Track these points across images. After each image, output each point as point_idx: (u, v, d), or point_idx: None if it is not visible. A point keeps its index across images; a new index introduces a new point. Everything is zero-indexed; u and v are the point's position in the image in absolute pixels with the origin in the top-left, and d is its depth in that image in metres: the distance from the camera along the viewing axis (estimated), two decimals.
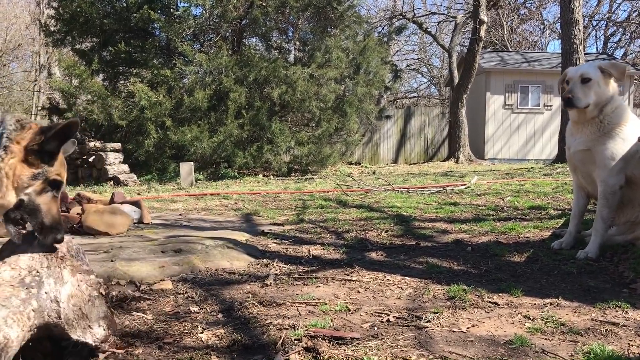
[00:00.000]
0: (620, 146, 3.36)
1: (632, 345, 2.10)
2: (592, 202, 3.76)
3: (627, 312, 2.45)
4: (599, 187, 3.42)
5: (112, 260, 3.16)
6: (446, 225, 4.84)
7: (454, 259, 3.48)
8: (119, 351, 2.05)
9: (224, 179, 14.56)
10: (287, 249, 3.88)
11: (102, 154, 13.80)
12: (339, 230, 4.65)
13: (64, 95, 15.48)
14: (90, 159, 13.96)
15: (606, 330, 2.25)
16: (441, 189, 7.95)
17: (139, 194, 9.01)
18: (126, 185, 14.18)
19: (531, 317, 2.43)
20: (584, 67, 3.52)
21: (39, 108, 27.04)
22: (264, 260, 3.52)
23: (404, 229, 4.66)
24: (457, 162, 20.16)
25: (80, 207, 4.42)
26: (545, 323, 2.36)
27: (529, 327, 2.31)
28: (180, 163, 13.67)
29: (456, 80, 21.67)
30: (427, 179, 10.63)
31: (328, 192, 8.35)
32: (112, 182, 14.42)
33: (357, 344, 2.14)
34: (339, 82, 16.60)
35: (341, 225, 4.89)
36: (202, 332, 2.29)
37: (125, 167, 15.17)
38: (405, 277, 3.07)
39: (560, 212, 5.29)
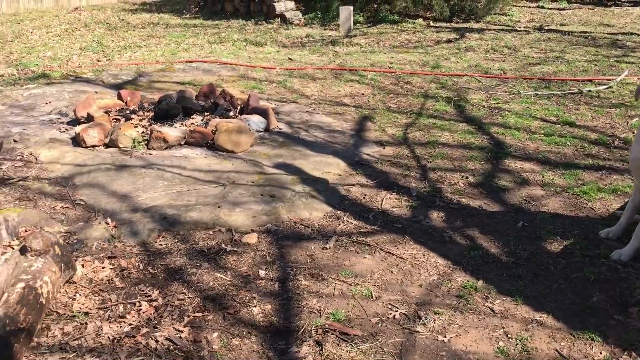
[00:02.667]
0: None
1: None
2: None
3: (592, 348, 2.93)
4: None
5: (219, 206, 4.15)
6: (533, 169, 5.11)
7: (498, 237, 3.96)
8: None
9: (383, 22, 14.73)
10: (364, 195, 4.57)
11: None
12: (428, 165, 5.17)
13: None
14: None
15: None
16: (577, 88, 7.73)
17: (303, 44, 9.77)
18: (291, 22, 15.06)
19: (508, 336, 3.01)
20: None
21: None
22: (338, 212, 4.29)
23: (488, 171, 5.04)
24: None
25: (216, 123, 5.38)
26: (515, 346, 2.94)
27: (499, 348, 2.92)
28: (340, 7, 14.02)
29: None
30: (585, 55, 10.00)
31: (462, 76, 8.49)
32: (279, 19, 15.38)
33: (355, 343, 2.94)
34: None
35: (435, 156, 5.37)
36: (255, 306, 3.23)
37: (292, 4, 15.90)
38: (440, 259, 3.69)
39: None
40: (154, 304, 3.23)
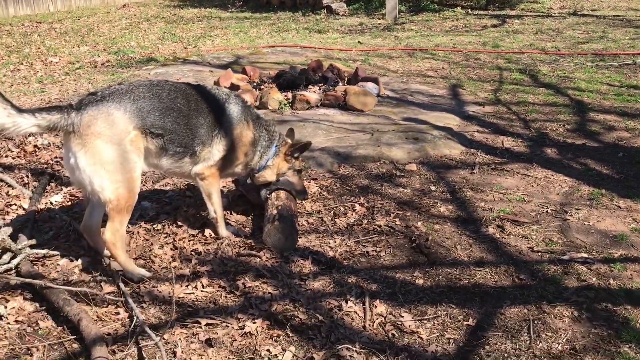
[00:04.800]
0: None
1: None
2: None
3: None
4: None
5: (378, 146, 5.22)
6: (615, 119, 6.16)
7: (606, 163, 5.02)
8: None
9: (425, 11, 15.72)
10: (487, 138, 5.64)
11: None
12: (527, 118, 6.22)
13: None
14: None
15: None
16: (631, 60, 8.76)
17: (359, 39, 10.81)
18: (337, 13, 16.09)
19: (637, 221, 4.08)
20: None
21: None
22: (471, 150, 5.35)
23: (579, 121, 6.10)
24: None
25: (344, 88, 6.46)
26: None
27: (632, 228, 3.98)
28: None
29: None
30: (626, 34, 11.01)
31: (523, 53, 9.54)
32: (325, 10, 16.41)
33: (526, 226, 4.01)
34: None
35: (529, 112, 6.43)
36: (440, 206, 4.30)
37: None
38: (566, 177, 4.75)
39: None
40: (364, 206, 4.30)
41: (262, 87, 7.11)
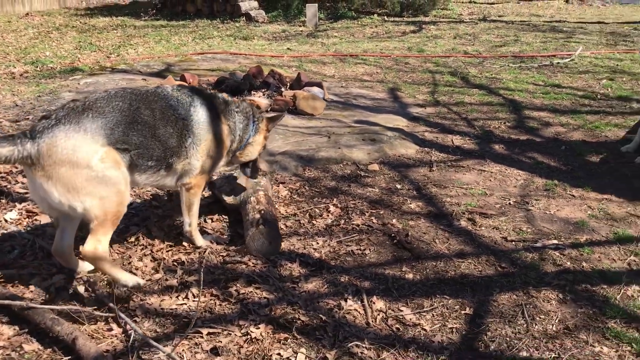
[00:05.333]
0: None
1: None
2: None
3: None
4: None
5: (339, 148, 5.28)
6: (549, 115, 6.57)
7: (552, 156, 5.35)
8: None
9: (343, 18, 16.04)
10: (437, 137, 5.84)
11: None
12: (469, 117, 6.51)
13: None
14: None
15: (631, 220, 4.19)
16: (548, 61, 9.37)
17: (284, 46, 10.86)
18: (257, 21, 16.07)
19: (592, 207, 4.37)
20: None
21: None
22: (425, 149, 5.53)
23: (517, 119, 6.45)
24: (567, 2, 20.27)
25: (293, 93, 6.48)
26: (598, 212, 4.30)
27: (589, 214, 4.27)
28: (307, 5, 15.24)
29: None
30: (537, 38, 11.76)
31: (449, 57, 9.95)
32: (244, 18, 16.34)
33: (494, 218, 4.20)
34: None
35: (469, 111, 6.73)
36: (410, 203, 4.41)
37: (255, 4, 16.89)
38: (519, 171, 5.02)
39: None
40: (338, 206, 4.34)
41: None
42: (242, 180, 4.08)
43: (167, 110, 3.34)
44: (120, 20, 16.48)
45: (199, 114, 3.43)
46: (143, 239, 3.83)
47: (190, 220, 3.67)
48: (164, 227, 3.96)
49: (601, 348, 2.87)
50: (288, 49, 11.11)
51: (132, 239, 3.84)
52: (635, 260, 3.63)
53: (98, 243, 3.07)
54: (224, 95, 3.79)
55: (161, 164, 3.34)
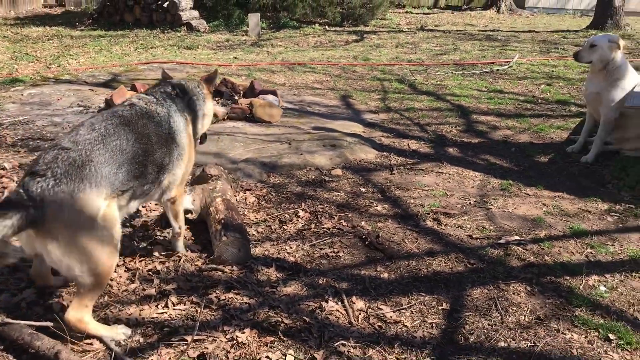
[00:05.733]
0: (618, 93, 5.28)
1: (593, 224, 4.30)
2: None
3: (597, 204, 4.62)
4: (601, 118, 5.41)
5: (301, 154, 5.35)
6: (495, 119, 6.87)
7: (504, 157, 5.60)
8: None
9: (285, 27, 16.13)
10: (394, 142, 6.00)
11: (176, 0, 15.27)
12: (421, 122, 6.72)
13: None
14: (165, 4, 15.42)
15: (584, 215, 4.44)
16: (488, 68, 9.76)
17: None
18: (198, 30, 15.94)
19: (546, 205, 4.61)
20: (596, 37, 5.33)
21: None
22: (384, 153, 5.67)
23: (466, 123, 6.71)
24: (498, 12, 21.13)
25: (250, 101, 6.50)
26: (553, 209, 4.54)
27: (544, 211, 4.50)
28: (249, 14, 15.25)
29: None
30: (474, 46, 12.23)
31: (394, 65, 10.21)
32: (185, 28, 16.17)
33: (457, 217, 4.37)
34: None
35: (421, 117, 6.94)
36: (377, 206, 4.52)
37: (196, 13, 16.75)
38: (476, 172, 5.23)
39: (578, 108, 7.25)
40: (307, 211, 4.40)
41: None
42: (189, 204, 4.02)
43: (157, 129, 3.18)
44: (55, 30, 15.97)
45: (177, 122, 3.35)
46: None
47: (180, 224, 3.65)
48: (133, 238, 3.90)
49: (571, 335, 3.04)
50: (235, 57, 11.10)
51: None
52: (592, 253, 3.86)
53: (85, 310, 2.83)
54: (176, 82, 3.57)
55: (154, 184, 3.22)
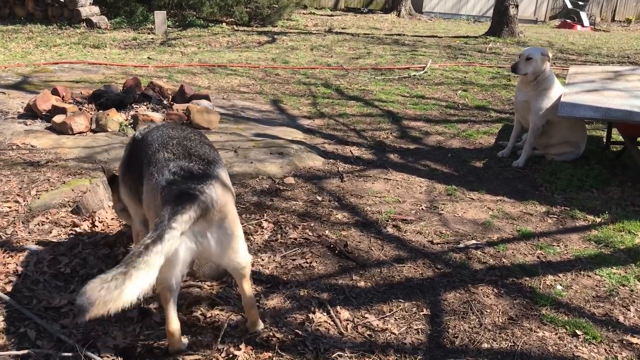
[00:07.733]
0: (546, 102, 5.72)
1: (537, 226, 4.65)
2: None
3: (536, 207, 5.00)
4: (530, 125, 5.83)
5: (251, 162, 5.32)
6: (425, 125, 7.18)
7: (443, 163, 5.88)
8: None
9: (193, 26, 15.79)
10: (337, 149, 6.11)
11: None
12: (357, 128, 6.88)
13: None
14: None
15: (527, 218, 4.79)
16: (406, 73, 10.16)
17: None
18: (99, 27, 15.25)
19: (491, 209, 4.92)
20: (531, 50, 5.74)
21: None
22: (330, 160, 5.76)
23: (399, 129, 6.96)
24: (399, 15, 21.90)
25: (186, 107, 6.35)
26: (498, 212, 4.85)
27: (491, 215, 4.80)
28: (155, 12, 14.80)
29: None
30: (386, 51, 12.65)
31: (315, 68, 10.34)
32: (85, 24, 15.40)
33: (415, 223, 4.55)
34: None
35: (355, 122, 7.11)
36: (337, 214, 4.61)
37: (97, 9, 16.01)
38: (421, 178, 5.45)
39: (498, 114, 7.75)
40: (270, 222, 4.41)
41: (81, 108, 6.58)
42: None
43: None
44: None
45: None
46: (81, 270, 3.59)
47: None
48: (100, 257, 3.74)
49: (543, 333, 3.29)
50: (149, 58, 10.74)
51: (68, 270, 3.57)
52: (542, 254, 4.17)
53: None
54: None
55: None
